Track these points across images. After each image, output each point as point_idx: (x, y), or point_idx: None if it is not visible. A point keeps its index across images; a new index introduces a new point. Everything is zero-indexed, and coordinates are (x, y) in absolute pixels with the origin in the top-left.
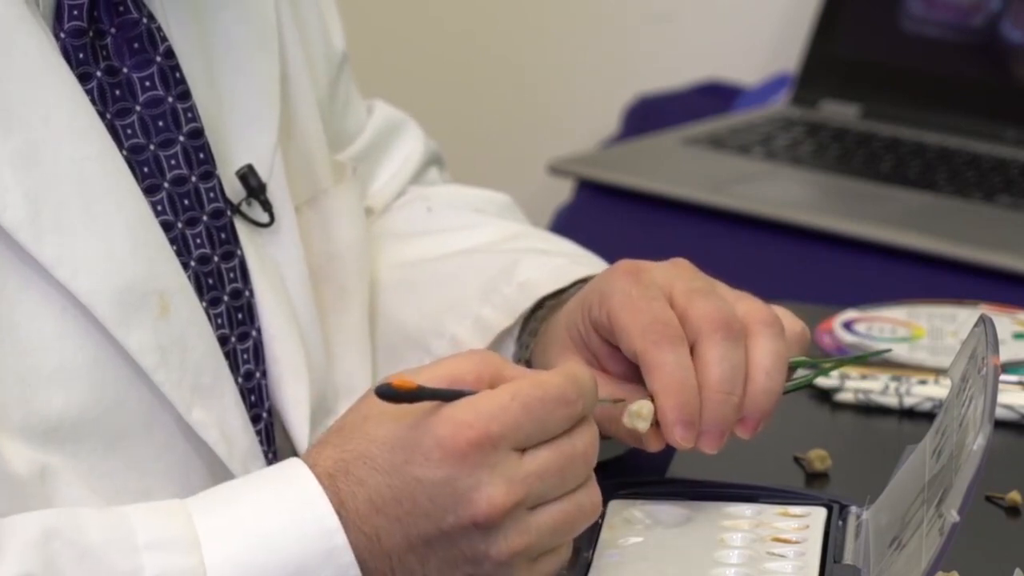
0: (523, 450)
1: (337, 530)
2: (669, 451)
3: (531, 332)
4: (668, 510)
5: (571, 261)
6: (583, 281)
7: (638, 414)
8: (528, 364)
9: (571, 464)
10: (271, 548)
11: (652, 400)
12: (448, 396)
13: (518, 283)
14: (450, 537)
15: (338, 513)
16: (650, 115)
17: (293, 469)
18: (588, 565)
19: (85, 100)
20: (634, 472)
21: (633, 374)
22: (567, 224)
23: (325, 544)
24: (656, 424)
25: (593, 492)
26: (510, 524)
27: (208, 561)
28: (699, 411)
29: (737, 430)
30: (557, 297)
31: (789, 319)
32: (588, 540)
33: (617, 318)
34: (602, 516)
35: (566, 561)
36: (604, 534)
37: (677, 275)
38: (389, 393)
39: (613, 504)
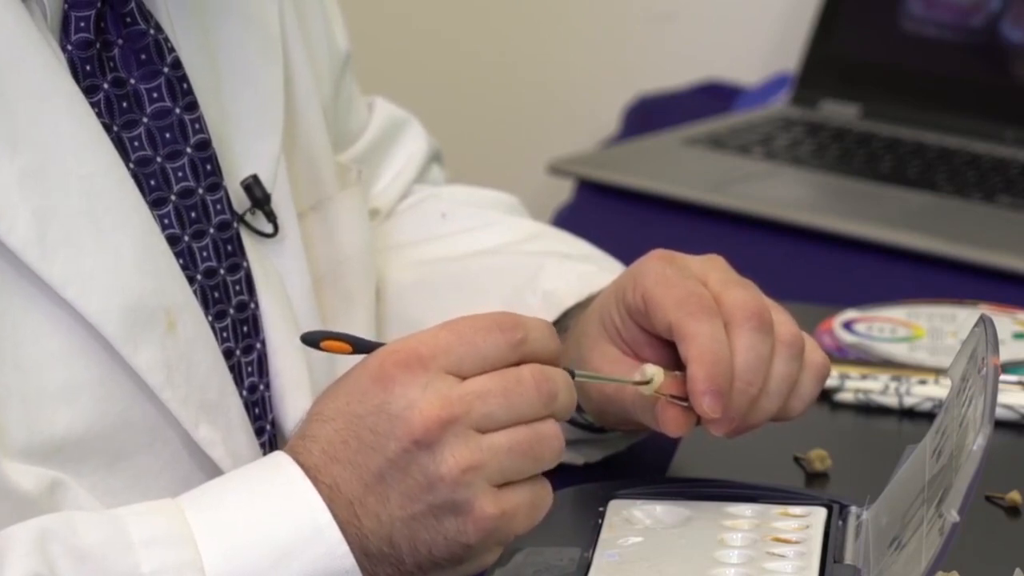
0: (463, 378)
1: (323, 510)
2: (669, 451)
3: (561, 329)
4: (668, 510)
5: (598, 268)
6: None
7: (643, 374)
8: None
9: (517, 389)
10: (262, 533)
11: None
12: (376, 345)
13: (543, 292)
14: (398, 465)
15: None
16: (650, 115)
17: (275, 459)
18: (588, 565)
19: (91, 115)
20: (634, 472)
21: (670, 363)
22: (567, 224)
23: (313, 523)
24: (682, 402)
25: (552, 426)
26: (452, 439)
27: (204, 552)
28: (730, 385)
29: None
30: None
31: (811, 346)
32: (588, 540)
33: (651, 294)
34: (602, 516)
35: (547, 505)
36: (604, 534)
37: (712, 267)
38: (311, 339)
39: (613, 504)
